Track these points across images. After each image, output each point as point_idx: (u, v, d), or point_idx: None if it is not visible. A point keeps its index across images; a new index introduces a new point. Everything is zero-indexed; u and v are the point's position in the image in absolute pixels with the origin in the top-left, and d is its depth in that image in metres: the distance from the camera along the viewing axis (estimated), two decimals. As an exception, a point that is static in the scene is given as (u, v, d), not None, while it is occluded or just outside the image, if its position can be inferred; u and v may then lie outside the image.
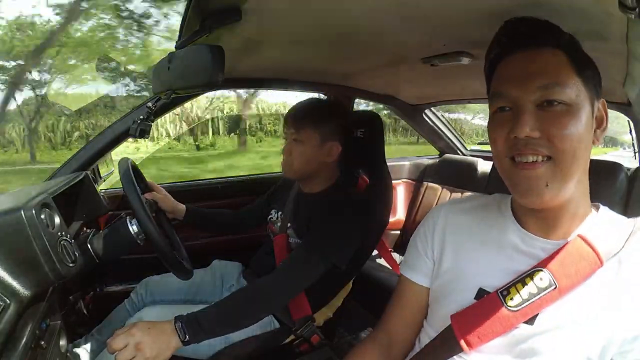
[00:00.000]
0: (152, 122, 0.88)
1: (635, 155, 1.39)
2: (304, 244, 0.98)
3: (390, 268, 1.48)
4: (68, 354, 0.72)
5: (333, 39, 0.83)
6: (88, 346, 1.03)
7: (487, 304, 0.52)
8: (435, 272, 0.62)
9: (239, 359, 0.99)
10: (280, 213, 1.14)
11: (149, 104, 0.86)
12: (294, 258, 0.95)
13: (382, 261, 1.60)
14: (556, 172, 0.47)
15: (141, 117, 0.86)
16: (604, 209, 0.54)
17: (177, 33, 0.71)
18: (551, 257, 0.50)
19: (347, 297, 1.20)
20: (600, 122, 0.51)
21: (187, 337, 0.76)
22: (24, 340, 0.57)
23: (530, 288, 0.50)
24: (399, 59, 1.02)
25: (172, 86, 0.69)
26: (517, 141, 0.47)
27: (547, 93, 0.47)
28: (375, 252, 1.49)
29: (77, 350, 1.00)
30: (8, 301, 0.54)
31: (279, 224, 1.12)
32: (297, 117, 1.04)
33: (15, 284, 0.57)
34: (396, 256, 1.53)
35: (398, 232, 1.93)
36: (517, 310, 0.50)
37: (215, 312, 0.83)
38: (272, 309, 0.97)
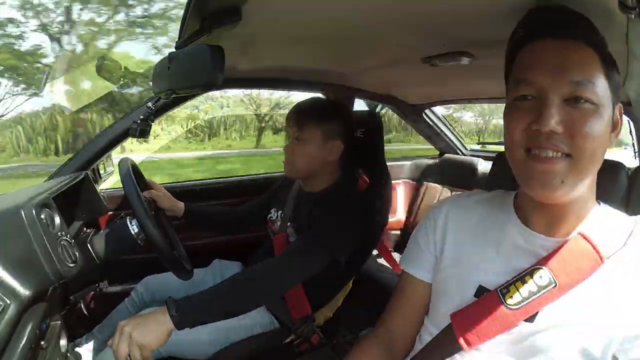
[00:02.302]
0: (152, 122, 0.88)
1: (635, 155, 1.39)
2: (303, 235, 0.97)
3: (391, 268, 1.48)
4: (68, 354, 0.72)
5: (333, 38, 0.83)
6: (89, 345, 1.04)
7: (486, 303, 0.52)
8: (436, 268, 0.61)
9: (239, 358, 0.99)
10: (280, 212, 1.14)
11: (149, 104, 0.87)
12: (293, 248, 0.95)
13: (382, 261, 1.60)
14: (573, 170, 0.46)
15: (141, 117, 0.86)
16: (604, 207, 0.54)
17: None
18: (551, 255, 0.50)
19: (347, 297, 1.20)
20: (615, 126, 0.50)
21: (181, 320, 0.74)
22: (24, 341, 0.57)
23: (530, 286, 0.49)
24: (399, 59, 1.02)
25: (172, 86, 0.69)
26: (539, 134, 0.46)
27: (577, 89, 0.45)
28: (375, 252, 1.49)
29: (78, 349, 1.00)
30: (8, 301, 0.54)
31: (278, 223, 1.12)
32: (299, 115, 1.04)
33: (15, 284, 0.57)
34: (396, 256, 1.53)
35: (398, 232, 1.93)
36: (517, 309, 0.49)
37: (208, 296, 0.81)
38: (267, 297, 0.94)
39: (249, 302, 0.87)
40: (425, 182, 1.92)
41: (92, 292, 1.25)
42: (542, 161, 0.46)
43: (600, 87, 0.46)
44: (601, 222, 0.51)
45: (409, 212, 1.93)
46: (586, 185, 0.49)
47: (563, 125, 0.45)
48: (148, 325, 0.72)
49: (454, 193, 1.77)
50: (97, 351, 1.02)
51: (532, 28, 0.50)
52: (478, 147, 2.21)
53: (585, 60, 0.46)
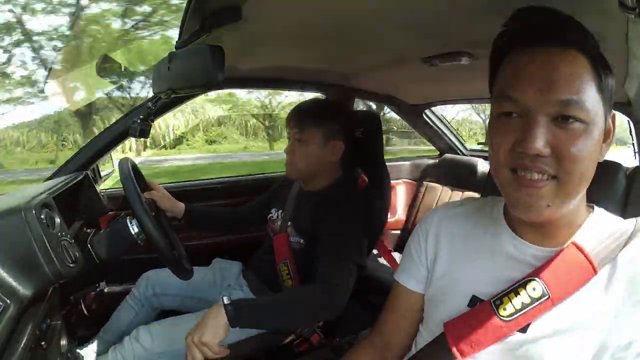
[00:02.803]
0: (152, 122, 0.88)
1: (635, 155, 1.39)
2: (330, 256, 0.93)
3: (391, 268, 1.48)
4: (69, 355, 0.73)
5: (333, 39, 0.83)
6: (94, 346, 1.04)
7: (480, 313, 0.52)
8: (429, 279, 0.61)
9: (238, 358, 0.99)
10: (280, 212, 1.14)
11: (149, 104, 0.87)
12: (326, 269, 0.91)
13: (382, 261, 1.60)
14: (560, 192, 0.44)
15: (141, 117, 0.86)
16: (599, 212, 0.53)
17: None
18: (544, 266, 0.50)
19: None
20: (607, 136, 0.47)
21: (235, 315, 0.79)
22: (24, 341, 0.57)
23: (523, 298, 0.49)
24: (399, 59, 1.02)
25: (172, 86, 0.69)
26: (524, 155, 0.43)
27: (566, 108, 0.42)
28: (375, 252, 1.49)
29: (84, 350, 1.00)
30: (8, 301, 0.54)
31: (279, 222, 1.12)
32: (300, 116, 1.04)
33: (15, 284, 0.57)
34: (396, 256, 1.53)
35: (398, 232, 1.93)
36: (510, 320, 0.49)
37: (264, 302, 0.86)
38: (312, 320, 0.98)
39: (292, 324, 0.94)
40: (425, 182, 1.92)
41: (92, 292, 1.25)
42: (527, 184, 0.44)
43: (591, 102, 0.43)
44: (594, 229, 0.50)
45: (409, 212, 1.93)
46: (575, 202, 0.47)
47: (550, 147, 0.43)
48: (206, 324, 0.77)
49: (453, 193, 1.77)
50: (103, 352, 1.02)
51: (518, 33, 0.47)
52: (478, 147, 2.21)
53: (576, 72, 0.43)
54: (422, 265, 0.62)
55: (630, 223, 0.51)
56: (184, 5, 0.61)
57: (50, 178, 1.13)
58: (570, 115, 0.43)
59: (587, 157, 0.44)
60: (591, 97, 0.43)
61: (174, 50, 0.69)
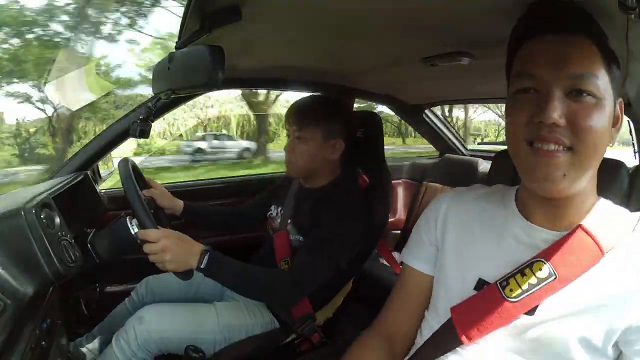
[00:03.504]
0: (152, 122, 0.88)
1: (635, 155, 1.39)
2: (308, 247, 0.97)
3: (391, 268, 1.48)
4: (69, 354, 0.73)
5: (333, 38, 0.83)
6: (89, 345, 1.04)
7: (486, 296, 0.52)
8: (437, 260, 0.61)
9: (239, 358, 0.99)
10: (280, 209, 1.14)
11: (149, 104, 0.86)
12: (302, 263, 0.95)
13: (382, 261, 1.60)
14: (575, 163, 0.46)
15: (141, 117, 0.86)
16: (606, 201, 0.54)
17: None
18: (551, 248, 0.50)
19: (348, 297, 1.20)
20: (616, 121, 0.50)
21: (203, 266, 0.82)
22: (24, 341, 0.57)
23: (530, 279, 0.49)
24: (399, 59, 1.02)
25: (172, 86, 0.69)
26: (541, 126, 0.46)
27: (578, 82, 0.45)
28: (375, 252, 1.49)
29: (77, 349, 1.00)
30: (8, 301, 0.54)
31: (278, 220, 1.12)
32: (299, 114, 1.04)
33: (15, 284, 0.57)
34: (396, 256, 1.53)
35: (398, 232, 1.93)
36: (517, 302, 0.49)
37: (232, 268, 0.88)
38: (266, 302, 1.04)
39: (256, 299, 0.99)
40: (425, 182, 1.92)
41: (92, 292, 1.26)
42: (544, 154, 0.46)
43: (602, 81, 0.46)
44: (602, 215, 0.51)
45: (409, 212, 1.93)
46: (587, 179, 0.49)
47: (565, 118, 0.45)
48: (180, 252, 0.81)
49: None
50: (97, 351, 1.02)
51: (532, 23, 0.50)
52: (478, 147, 2.21)
53: (586, 53, 0.46)
54: (431, 246, 0.63)
55: (635, 214, 0.52)
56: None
57: (50, 178, 1.13)
58: (583, 89, 0.45)
59: (599, 131, 0.46)
60: (602, 75, 0.46)
61: (174, 50, 0.69)
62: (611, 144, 0.50)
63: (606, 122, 0.47)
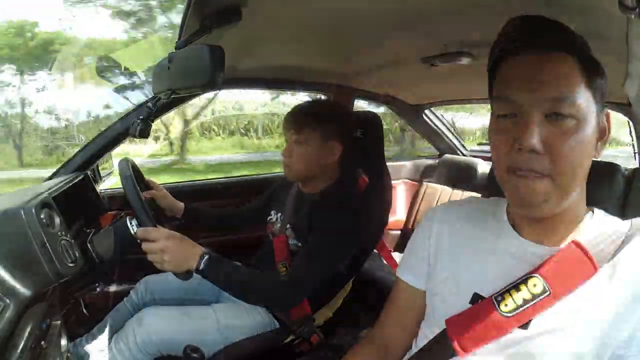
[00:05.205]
0: (152, 122, 0.88)
1: (635, 155, 1.39)
2: (306, 252, 0.97)
3: (391, 268, 1.48)
4: (68, 354, 0.73)
5: (333, 39, 0.83)
6: (89, 345, 1.04)
7: (481, 309, 0.52)
8: (431, 275, 0.62)
9: (238, 358, 0.99)
10: (279, 214, 1.14)
11: (149, 104, 0.86)
12: (300, 268, 0.95)
13: (382, 261, 1.60)
14: (555, 189, 0.46)
15: (141, 117, 0.85)
16: (599, 213, 0.54)
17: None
18: (545, 264, 0.50)
19: (347, 297, 1.20)
20: (602, 134, 0.50)
21: (201, 268, 0.83)
22: (24, 341, 0.57)
23: (524, 294, 0.50)
24: (399, 59, 1.02)
25: (172, 86, 0.69)
26: (520, 154, 0.46)
27: (557, 105, 0.45)
28: (375, 252, 1.49)
29: (77, 349, 1.00)
30: (8, 301, 0.54)
31: (278, 225, 1.12)
32: (297, 118, 1.04)
33: (15, 284, 0.57)
34: (396, 256, 1.53)
35: (398, 232, 1.93)
36: (511, 316, 0.50)
37: (231, 272, 0.88)
38: (262, 305, 1.03)
39: (254, 303, 0.98)
40: (425, 182, 1.92)
41: (92, 292, 1.25)
42: (524, 181, 0.46)
43: (582, 98, 0.45)
44: (594, 229, 0.51)
45: (409, 212, 1.93)
46: (573, 197, 0.49)
47: (544, 144, 0.45)
48: (179, 254, 0.81)
49: (454, 192, 1.77)
50: (97, 351, 1.02)
51: (509, 43, 0.50)
52: (478, 147, 2.21)
53: (565, 72, 0.46)
54: (424, 262, 0.63)
55: (625, 224, 0.52)
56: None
57: (50, 178, 1.13)
58: (562, 113, 0.45)
59: (579, 156, 0.46)
60: (581, 94, 0.46)
61: (174, 50, 0.69)
62: (597, 157, 0.49)
63: (587, 143, 0.46)
